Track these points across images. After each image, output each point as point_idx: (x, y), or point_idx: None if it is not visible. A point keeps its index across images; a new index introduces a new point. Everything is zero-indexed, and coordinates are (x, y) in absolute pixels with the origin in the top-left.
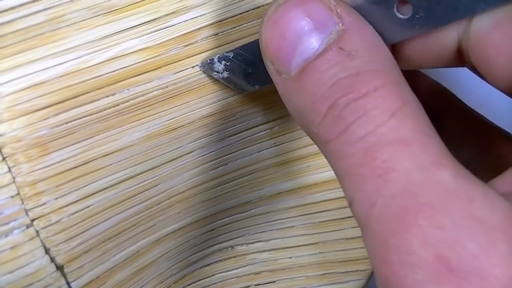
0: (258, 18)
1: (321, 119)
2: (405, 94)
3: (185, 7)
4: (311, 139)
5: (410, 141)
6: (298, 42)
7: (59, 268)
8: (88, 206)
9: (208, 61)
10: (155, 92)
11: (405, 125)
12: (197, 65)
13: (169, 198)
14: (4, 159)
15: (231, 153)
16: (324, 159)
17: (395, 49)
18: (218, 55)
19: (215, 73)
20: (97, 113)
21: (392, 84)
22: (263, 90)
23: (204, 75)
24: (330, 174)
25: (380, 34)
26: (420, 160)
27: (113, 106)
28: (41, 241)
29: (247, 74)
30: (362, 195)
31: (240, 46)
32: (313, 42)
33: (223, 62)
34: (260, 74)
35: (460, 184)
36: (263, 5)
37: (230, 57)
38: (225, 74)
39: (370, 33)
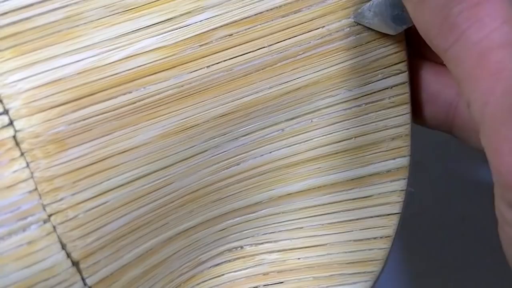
0: (272, 19)
1: (438, 30)
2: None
3: (200, 7)
4: (436, 53)
5: None
6: None
7: (75, 263)
8: (104, 203)
9: (359, 11)
10: (171, 91)
11: None
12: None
13: (182, 197)
14: (22, 154)
15: (243, 153)
16: (334, 161)
17: None
18: (367, 4)
19: (366, 20)
20: (113, 110)
21: None
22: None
23: (219, 74)
24: (339, 176)
25: None
26: None
27: (130, 104)
28: (58, 236)
29: (394, 15)
30: (477, 95)
31: None
32: None
33: (372, 9)
34: (406, 13)
35: None
36: (278, 7)
37: (378, 2)
38: (375, 20)
39: None
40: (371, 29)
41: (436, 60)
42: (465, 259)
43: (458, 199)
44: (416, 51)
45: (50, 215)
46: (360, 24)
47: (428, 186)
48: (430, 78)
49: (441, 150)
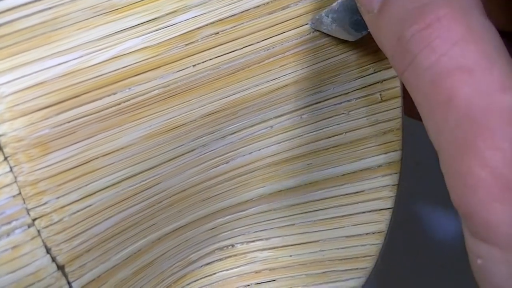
0: (259, 17)
1: (393, 52)
2: (470, 21)
3: (185, 6)
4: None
5: (472, 67)
6: None
7: (60, 267)
8: (89, 205)
9: (317, 17)
10: (156, 91)
11: (467, 52)
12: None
13: (170, 197)
14: (5, 159)
15: (231, 151)
16: (325, 157)
17: None
18: (325, 10)
19: (324, 27)
20: (98, 112)
21: (456, 12)
22: (262, 90)
23: (205, 73)
24: (330, 172)
25: None
26: (482, 85)
27: (114, 105)
28: (42, 240)
29: (353, 22)
30: (432, 124)
31: None
32: None
33: (330, 15)
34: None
35: None
36: (264, 4)
37: (336, 9)
38: (333, 26)
39: None
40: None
41: None
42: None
43: None
44: None
45: (34, 219)
46: (317, 31)
47: (428, 186)
48: None
49: None
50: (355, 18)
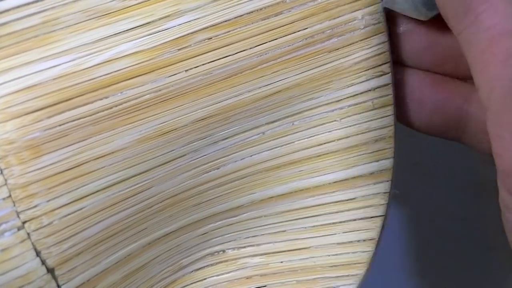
0: (252, 23)
1: (454, 11)
2: None
3: (179, 11)
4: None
5: None
6: None
7: (50, 270)
8: (80, 209)
9: None
10: (148, 95)
11: None
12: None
13: (161, 202)
14: None
15: (223, 157)
16: (317, 164)
17: None
18: None
19: (397, 5)
20: (90, 115)
21: None
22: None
23: (197, 78)
24: (321, 179)
25: None
26: None
27: (106, 109)
28: (32, 243)
29: (425, 1)
30: (484, 80)
31: None
32: None
33: None
34: None
35: None
36: (257, 10)
37: None
38: (406, 5)
39: None
40: (354, 31)
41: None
42: (464, 259)
43: (458, 199)
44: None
45: (24, 222)
46: (390, 9)
47: (428, 186)
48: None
49: (441, 150)
50: None
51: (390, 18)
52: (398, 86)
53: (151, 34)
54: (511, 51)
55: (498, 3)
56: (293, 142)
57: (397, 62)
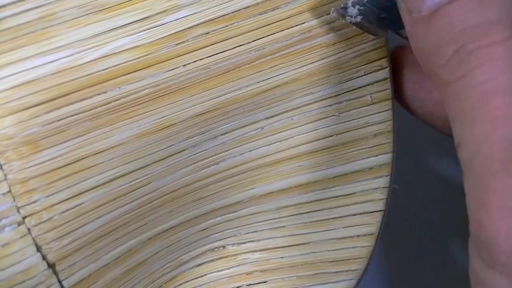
0: (249, 17)
1: (445, 61)
2: None
3: (176, 6)
4: (430, 79)
5: None
6: None
7: (51, 266)
8: (80, 204)
9: (342, 5)
10: (146, 90)
11: None
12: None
13: (160, 197)
14: None
15: (222, 152)
16: (315, 159)
17: None
18: (352, 0)
19: (348, 17)
20: (88, 111)
21: None
22: (252, 91)
23: (195, 73)
24: (321, 174)
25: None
26: None
27: (105, 104)
28: (33, 238)
29: (380, 18)
30: (470, 138)
31: None
32: None
33: (357, 7)
34: (393, 18)
35: None
36: (254, 4)
37: (364, 2)
38: (358, 19)
39: None
40: (352, 25)
41: None
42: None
43: (458, 199)
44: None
45: (24, 217)
46: (341, 19)
47: (428, 186)
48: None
49: (441, 150)
50: (382, 16)
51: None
52: (410, 68)
53: (148, 29)
54: (502, 110)
55: (495, 58)
56: (292, 137)
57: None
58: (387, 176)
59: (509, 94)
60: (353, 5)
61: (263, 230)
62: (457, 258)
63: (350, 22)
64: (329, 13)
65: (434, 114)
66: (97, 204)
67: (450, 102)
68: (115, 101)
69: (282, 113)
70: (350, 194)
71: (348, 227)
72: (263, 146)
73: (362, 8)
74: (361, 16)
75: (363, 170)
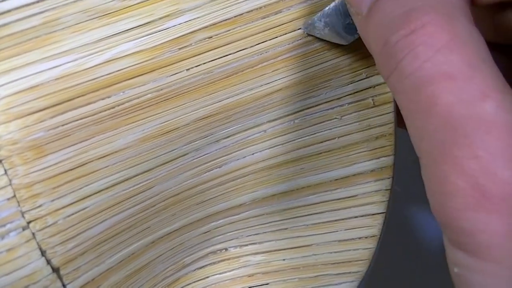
0: (252, 21)
1: (379, 57)
2: (455, 27)
3: (178, 11)
4: None
5: (455, 75)
6: None
7: (55, 270)
8: (84, 208)
9: (310, 21)
10: (150, 94)
11: (451, 60)
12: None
13: (163, 200)
14: (0, 161)
15: (225, 155)
16: (317, 161)
17: None
18: (317, 15)
19: (317, 31)
20: (92, 115)
21: (442, 19)
22: (255, 94)
23: (198, 77)
24: (322, 176)
25: None
26: (463, 93)
27: (109, 109)
28: (37, 243)
29: (345, 25)
30: (414, 130)
31: (336, 1)
32: None
33: (322, 20)
34: None
35: (501, 116)
36: (257, 8)
37: (328, 13)
38: (326, 30)
39: None
40: (319, 40)
41: None
42: None
43: None
44: None
45: (29, 222)
46: (310, 35)
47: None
48: None
49: None
50: (347, 22)
51: None
52: None
53: (151, 34)
54: (433, 99)
55: (418, 45)
56: (294, 140)
57: None
58: (388, 178)
59: (435, 80)
60: (319, 19)
61: (265, 232)
62: None
63: (319, 36)
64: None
65: None
66: (101, 208)
67: (394, 96)
68: (119, 105)
69: (284, 116)
70: (351, 197)
71: (350, 229)
72: (265, 149)
73: (328, 19)
74: (328, 28)
75: (364, 173)
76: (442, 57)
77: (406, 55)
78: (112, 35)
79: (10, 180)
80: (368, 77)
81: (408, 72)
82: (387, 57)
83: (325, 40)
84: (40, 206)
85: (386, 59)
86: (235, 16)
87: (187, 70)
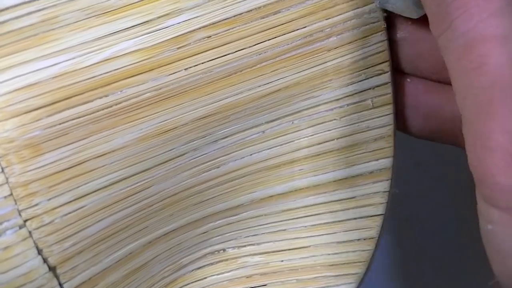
0: (251, 21)
1: (433, 16)
2: None
3: (178, 9)
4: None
5: (507, 37)
6: None
7: (52, 269)
8: (81, 207)
9: None
10: (148, 94)
11: (504, 23)
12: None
13: (161, 200)
14: None
15: (223, 156)
16: (316, 163)
17: None
18: None
19: (390, 4)
20: (90, 114)
21: None
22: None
23: (197, 76)
24: (321, 178)
25: None
26: None
27: (107, 108)
28: (34, 242)
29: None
30: (460, 88)
31: None
32: None
33: None
34: None
35: None
36: (256, 8)
37: None
38: (398, 4)
39: None
40: (353, 29)
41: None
42: (464, 260)
43: (458, 200)
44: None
45: (25, 221)
46: (383, 8)
47: (428, 186)
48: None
49: (441, 151)
50: None
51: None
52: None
53: (150, 33)
54: (484, 58)
55: (472, 7)
56: (293, 141)
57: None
58: (387, 180)
59: (487, 41)
60: None
61: (263, 233)
62: (457, 258)
63: (391, 9)
64: (330, 18)
65: (425, 128)
66: (98, 208)
67: (443, 55)
68: (116, 104)
69: (283, 117)
70: (350, 198)
71: (349, 231)
72: (263, 150)
73: None
74: (400, 1)
75: (363, 174)
76: (495, 20)
77: (461, 14)
78: (111, 33)
79: (6, 179)
80: (368, 78)
81: (461, 31)
82: (441, 15)
83: (324, 41)
84: (36, 204)
85: (441, 18)
86: (234, 16)
87: (185, 69)
